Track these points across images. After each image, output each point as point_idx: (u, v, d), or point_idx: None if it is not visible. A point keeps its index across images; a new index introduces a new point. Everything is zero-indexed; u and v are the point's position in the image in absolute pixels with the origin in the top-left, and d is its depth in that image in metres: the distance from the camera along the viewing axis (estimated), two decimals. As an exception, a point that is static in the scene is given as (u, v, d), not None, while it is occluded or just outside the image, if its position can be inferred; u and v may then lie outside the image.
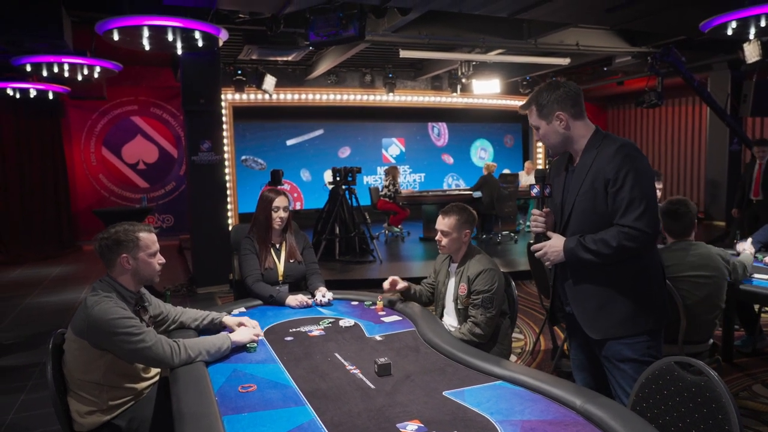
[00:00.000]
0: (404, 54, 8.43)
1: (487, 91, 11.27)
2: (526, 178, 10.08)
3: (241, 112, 10.43)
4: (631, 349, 1.97)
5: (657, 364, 1.76)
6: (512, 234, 9.28)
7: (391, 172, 9.54)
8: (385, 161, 12.43)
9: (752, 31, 5.33)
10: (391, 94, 11.09)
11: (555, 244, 2.03)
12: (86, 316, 1.95)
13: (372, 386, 1.83)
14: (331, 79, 10.78)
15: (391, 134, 12.67)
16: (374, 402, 1.70)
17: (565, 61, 9.56)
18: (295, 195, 11.39)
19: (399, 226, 9.71)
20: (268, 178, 11.47)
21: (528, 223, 2.26)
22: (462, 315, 2.74)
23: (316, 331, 2.44)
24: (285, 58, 8.08)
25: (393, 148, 12.72)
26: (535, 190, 2.16)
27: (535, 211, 2.14)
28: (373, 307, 2.81)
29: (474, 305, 2.66)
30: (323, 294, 2.92)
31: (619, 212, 1.90)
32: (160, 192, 10.45)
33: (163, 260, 2.20)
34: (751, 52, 7.79)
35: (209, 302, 6.06)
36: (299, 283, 3.22)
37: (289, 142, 11.66)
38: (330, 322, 2.56)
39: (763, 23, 5.08)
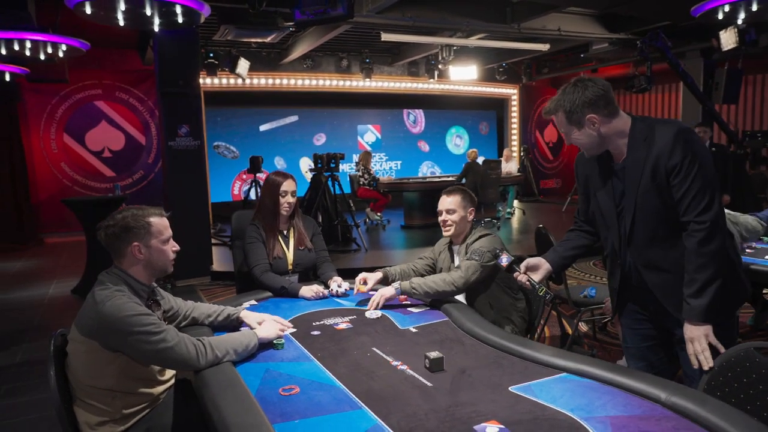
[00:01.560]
0: (386, 37, 8.20)
1: (464, 77, 11.17)
2: (505, 166, 10.04)
3: (212, 97, 10.01)
4: (720, 329, 1.82)
5: (733, 351, 1.65)
6: (494, 220, 9.22)
7: (363, 159, 9.34)
8: (360, 148, 12.19)
9: (741, 15, 5.33)
10: (368, 79, 10.87)
11: (693, 333, 1.78)
12: (96, 313, 1.70)
13: (428, 383, 1.65)
14: (306, 63, 10.47)
15: (366, 121, 12.44)
16: (438, 402, 1.53)
17: (544, 47, 9.51)
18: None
19: (379, 214, 9.54)
20: (242, 167, 11.16)
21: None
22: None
23: (342, 324, 2.25)
24: (263, 40, 7.74)
25: (369, 135, 12.50)
26: (505, 260, 2.13)
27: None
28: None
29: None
30: (339, 284, 2.72)
31: (683, 205, 1.76)
32: (127, 181, 9.95)
33: (177, 247, 1.96)
34: (727, 39, 7.88)
35: (190, 295, 5.72)
36: (308, 273, 3.01)
37: (263, 128, 11.29)
38: (356, 314, 2.37)
39: (754, 7, 5.08)
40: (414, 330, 2.16)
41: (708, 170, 1.75)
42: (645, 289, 1.94)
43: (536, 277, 2.10)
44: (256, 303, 2.60)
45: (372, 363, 1.82)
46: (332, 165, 7.41)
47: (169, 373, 1.94)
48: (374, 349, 1.95)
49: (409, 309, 2.44)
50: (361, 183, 8.98)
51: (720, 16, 5.32)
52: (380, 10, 6.89)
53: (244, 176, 10.98)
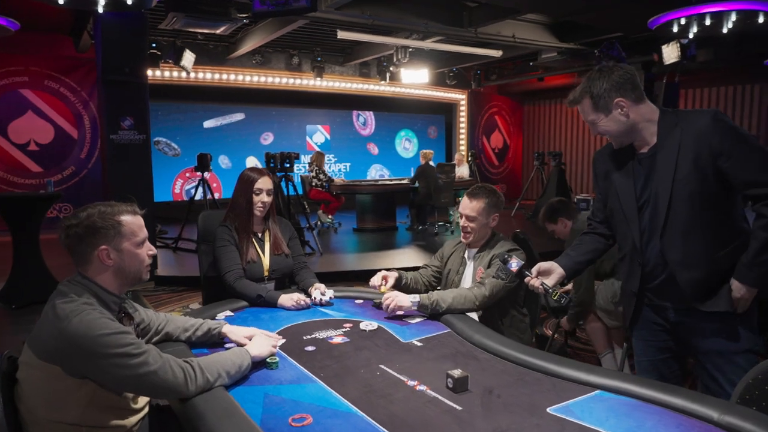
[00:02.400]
0: (342, 35, 8.00)
1: (415, 80, 11.15)
2: (457, 170, 10.05)
3: (153, 91, 9.30)
4: (748, 337, 1.79)
5: (769, 363, 1.57)
6: (447, 224, 9.19)
7: (316, 160, 9.06)
8: (309, 149, 11.86)
9: (694, 29, 5.53)
10: (318, 79, 10.59)
11: (743, 293, 1.76)
12: (59, 332, 1.40)
13: (456, 406, 1.47)
14: (255, 59, 10.06)
15: (316, 121, 12.14)
16: (477, 429, 1.35)
17: (497, 53, 9.62)
18: (215, 185, 10.52)
19: (331, 217, 9.28)
20: (183, 165, 10.57)
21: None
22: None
23: (337, 337, 2.02)
24: (213, 31, 7.30)
25: (318, 135, 12.20)
26: (514, 264, 2.02)
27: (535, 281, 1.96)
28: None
29: (487, 273, 2.37)
30: (322, 292, 2.49)
31: (746, 181, 1.70)
32: (56, 177, 9.14)
33: (154, 250, 1.68)
34: (670, 53, 8.23)
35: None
36: (285, 280, 2.75)
37: (207, 125, 10.75)
38: (350, 326, 2.15)
39: (707, 21, 5.28)
40: (419, 343, 1.97)
41: (755, 142, 1.73)
42: (670, 290, 1.85)
43: (549, 281, 1.97)
44: (232, 314, 2.32)
45: (385, 383, 1.62)
46: (286, 165, 7.10)
47: (143, 400, 1.65)
48: (382, 366, 1.74)
49: (406, 320, 2.24)
50: (313, 184, 8.69)
51: (675, 29, 5.50)
52: (339, 6, 6.67)
53: (188, 175, 10.41)
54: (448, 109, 14.02)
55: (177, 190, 10.53)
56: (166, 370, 1.44)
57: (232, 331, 1.90)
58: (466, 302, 2.26)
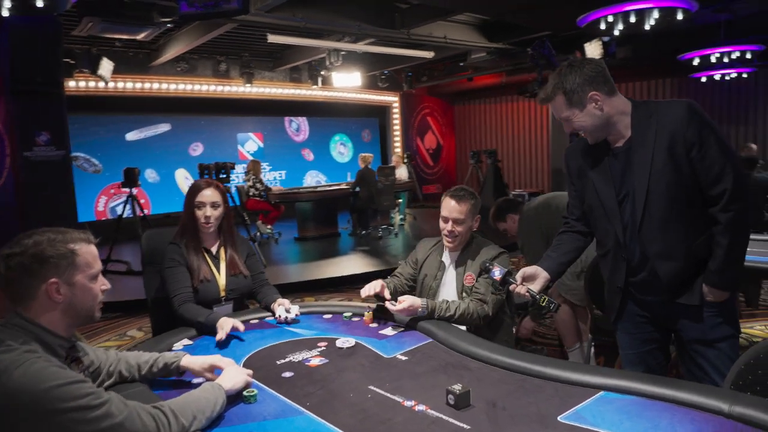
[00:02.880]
0: (273, 39, 7.74)
1: (347, 84, 11.04)
2: (396, 172, 10.01)
3: (69, 102, 8.69)
4: (729, 323, 1.80)
5: (761, 347, 1.57)
6: (390, 227, 9.13)
7: (253, 168, 8.74)
8: (242, 158, 11.46)
9: (620, 26, 5.76)
10: (248, 85, 10.25)
11: (714, 295, 1.77)
12: (-3, 387, 1.16)
13: (463, 425, 1.36)
14: (180, 66, 9.58)
15: (247, 129, 11.75)
16: (492, 450, 1.24)
17: (429, 55, 9.68)
18: (143, 201, 9.91)
19: (270, 227, 8.97)
20: (106, 181, 9.87)
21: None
22: None
23: (314, 359, 1.86)
24: (133, 37, 6.85)
25: (250, 143, 11.81)
26: (497, 272, 1.93)
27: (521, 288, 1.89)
28: (355, 320, 2.29)
29: (482, 284, 2.29)
30: (287, 308, 2.31)
31: (709, 178, 1.70)
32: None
33: (108, 285, 1.46)
34: (592, 51, 8.59)
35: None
36: (243, 300, 2.55)
37: (130, 137, 10.11)
38: (324, 345, 1.99)
39: (632, 18, 5.51)
40: (403, 357, 1.84)
41: (722, 138, 1.73)
42: (652, 284, 1.84)
43: (534, 287, 1.91)
44: (191, 342, 2.10)
45: (380, 407, 1.48)
46: (222, 175, 6.78)
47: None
48: (372, 387, 1.61)
49: (381, 332, 2.12)
50: (250, 194, 8.36)
51: (603, 26, 5.71)
52: (269, 9, 6.44)
53: (112, 191, 9.75)
54: (381, 112, 14.01)
55: (101, 208, 9.84)
56: (134, 420, 1.23)
57: (194, 362, 1.68)
58: (471, 321, 2.20)
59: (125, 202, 7.00)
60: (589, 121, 1.78)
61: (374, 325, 2.21)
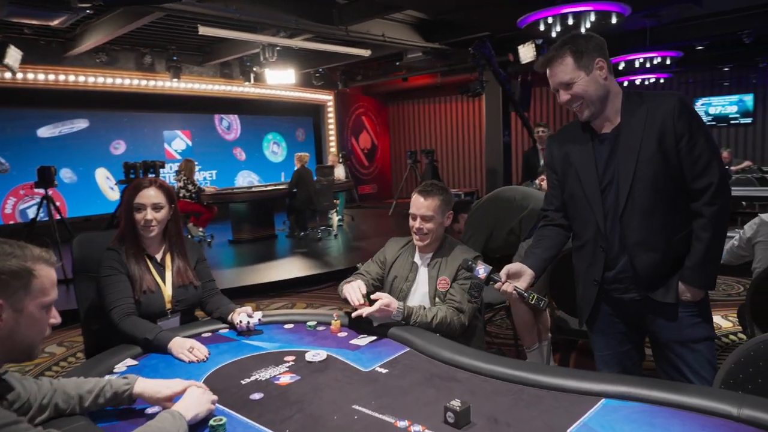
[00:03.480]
0: (204, 31, 7.31)
1: (281, 81, 10.67)
2: (336, 171, 9.81)
3: (-31, 95, 7.86)
4: (705, 325, 1.78)
5: (752, 344, 1.55)
6: (329, 228, 8.91)
7: (186, 168, 8.24)
8: (168, 157, 10.84)
9: (558, 28, 5.88)
10: (175, 80, 9.69)
11: (690, 293, 1.75)
12: None
13: (470, 448, 1.22)
14: (100, 58, 8.89)
15: (174, 126, 11.11)
16: (509, 475, 1.12)
17: (366, 53, 9.55)
18: (59, 203, 9.11)
19: (202, 229, 8.51)
20: (15, 181, 8.98)
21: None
22: None
23: (283, 376, 1.66)
24: (47, 23, 6.22)
25: (178, 142, 11.19)
26: (482, 271, 1.82)
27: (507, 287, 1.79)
28: (321, 329, 2.11)
29: (457, 291, 2.18)
30: (249, 314, 2.08)
31: (695, 171, 1.68)
32: None
33: (58, 319, 1.21)
34: (526, 53, 8.79)
35: None
36: (193, 311, 2.29)
37: (43, 134, 9.26)
38: (292, 359, 1.79)
39: (570, 21, 5.64)
40: (383, 370, 1.68)
41: (709, 133, 1.73)
42: (629, 278, 1.79)
43: (521, 284, 1.81)
44: (135, 362, 1.83)
45: (371, 429, 1.32)
46: (150, 174, 6.31)
47: None
48: (356, 407, 1.44)
49: (352, 342, 1.95)
50: (181, 195, 7.87)
51: (542, 27, 5.80)
52: (201, -2, 6.07)
53: (22, 192, 8.90)
54: (315, 111, 13.73)
55: (8, 211, 8.94)
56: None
57: (149, 388, 1.44)
58: (448, 331, 2.07)
59: (39, 204, 6.36)
60: (592, 87, 1.73)
61: (343, 334, 2.03)
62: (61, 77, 8.80)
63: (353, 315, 2.04)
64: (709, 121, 11.71)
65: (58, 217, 6.52)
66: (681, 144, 1.67)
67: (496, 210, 3.38)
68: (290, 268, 6.76)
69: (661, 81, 11.27)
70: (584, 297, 1.92)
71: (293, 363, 1.76)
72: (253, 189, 9.51)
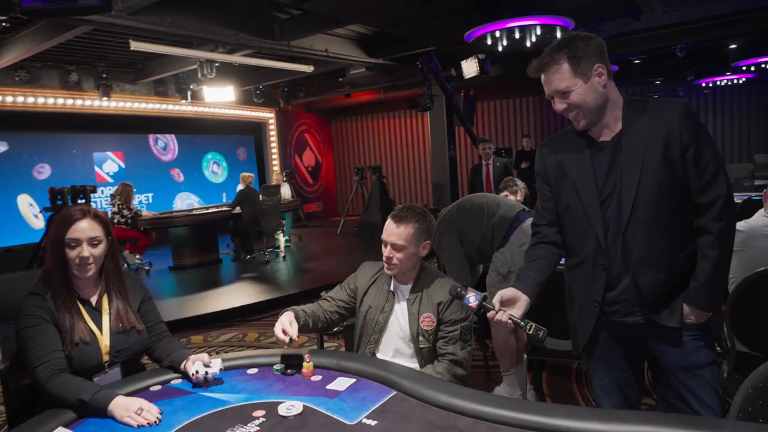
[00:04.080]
0: (136, 46, 6.90)
1: (220, 99, 10.31)
2: (281, 190, 9.49)
3: None
4: (708, 349, 1.66)
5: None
6: (277, 250, 8.55)
7: (123, 192, 7.70)
8: (100, 181, 10.16)
9: (504, 42, 5.91)
10: (105, 99, 9.10)
11: (695, 315, 1.64)
12: None
13: None
14: (19, 75, 8.23)
15: (105, 148, 10.43)
16: None
17: (309, 69, 9.34)
18: (-26, 232, 8.30)
19: (139, 257, 7.95)
20: None
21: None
22: (426, 357, 2.03)
23: (255, 437, 1.41)
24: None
25: (109, 164, 10.51)
26: (473, 299, 1.65)
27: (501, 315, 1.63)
28: (290, 373, 1.85)
29: (448, 339, 1.99)
30: (206, 363, 1.79)
31: (702, 184, 1.57)
32: None
33: None
34: (469, 68, 8.86)
35: None
36: (137, 361, 1.97)
37: (-46, 161, 8.44)
38: (262, 413, 1.53)
39: (517, 35, 5.67)
40: (371, 422, 1.46)
41: (715, 144, 1.62)
42: (631, 299, 1.66)
43: (516, 312, 1.64)
44: (68, 430, 1.52)
45: (373, 506, 1.09)
46: (81, 200, 5.81)
47: None
48: (350, 475, 1.21)
49: (329, 387, 1.71)
50: (115, 221, 7.32)
51: (489, 41, 5.81)
52: (134, 11, 5.67)
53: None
54: (256, 129, 13.33)
55: None
56: None
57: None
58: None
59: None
60: (590, 96, 1.59)
61: (317, 377, 1.79)
62: (-25, 97, 8.05)
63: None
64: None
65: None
66: (687, 154, 1.56)
67: (469, 215, 3.24)
68: (238, 294, 6.38)
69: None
70: (581, 320, 1.78)
71: (264, 419, 1.50)
72: (194, 212, 9.02)
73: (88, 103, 9.35)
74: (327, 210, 15.03)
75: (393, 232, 2.02)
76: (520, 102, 13.22)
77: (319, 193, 14.91)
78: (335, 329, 2.54)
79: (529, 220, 3.07)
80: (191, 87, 9.95)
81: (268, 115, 13.18)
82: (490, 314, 1.63)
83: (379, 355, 2.11)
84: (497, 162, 6.91)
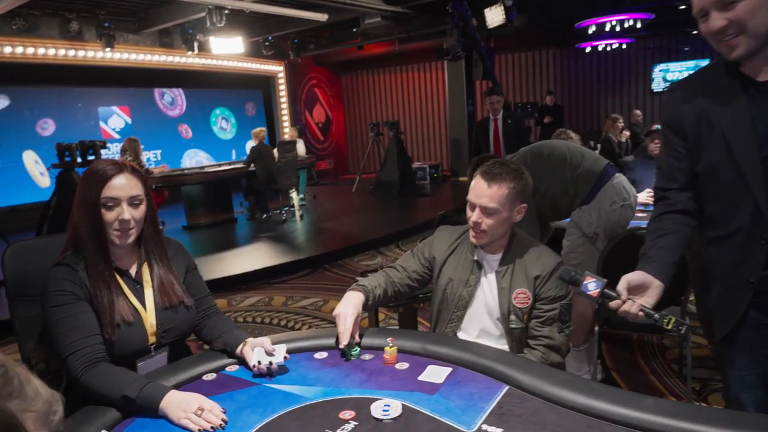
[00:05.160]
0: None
1: (228, 51, 9.79)
2: (298, 146, 9.11)
3: None
4: None
5: None
6: (292, 209, 8.24)
7: (130, 147, 7.32)
8: (105, 136, 9.76)
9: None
10: (108, 50, 8.61)
11: None
12: None
13: None
14: (16, 24, 7.70)
15: (110, 102, 10.00)
16: None
17: (323, 17, 8.80)
18: (-21, 191, 8.01)
19: (151, 217, 7.66)
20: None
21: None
22: (517, 339, 1.73)
23: (352, 448, 1.12)
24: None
25: (115, 119, 10.09)
26: (593, 285, 1.34)
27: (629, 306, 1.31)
28: (367, 357, 1.56)
29: (545, 320, 1.68)
30: (269, 351, 1.48)
31: None
32: None
33: None
34: (494, 16, 8.32)
35: None
36: (183, 342, 1.68)
37: (-46, 115, 8.05)
38: (351, 415, 1.24)
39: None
40: (493, 429, 1.16)
41: None
42: None
43: (647, 301, 1.33)
44: (112, 437, 1.24)
45: None
46: (90, 157, 5.47)
47: None
48: None
49: (422, 379, 1.41)
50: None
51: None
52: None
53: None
54: (265, 83, 12.80)
55: None
56: None
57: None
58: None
59: (-46, 196, 5.39)
60: (763, 12, 1.22)
61: (403, 365, 1.49)
62: (-29, 47, 7.58)
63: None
64: (666, 87, 11.72)
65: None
66: None
67: (548, 164, 2.73)
68: (258, 255, 6.11)
69: (623, 47, 11.13)
70: (725, 304, 1.45)
71: (356, 423, 1.21)
72: (206, 169, 8.68)
73: (90, 54, 8.85)
74: (338, 167, 14.64)
75: (484, 192, 1.68)
76: (541, 55, 12.61)
77: (330, 150, 14.48)
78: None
79: (620, 177, 2.73)
80: (198, 38, 9.43)
81: (277, 69, 12.63)
82: (614, 304, 1.32)
83: (461, 335, 1.81)
84: (508, 118, 5.91)
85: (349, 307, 1.61)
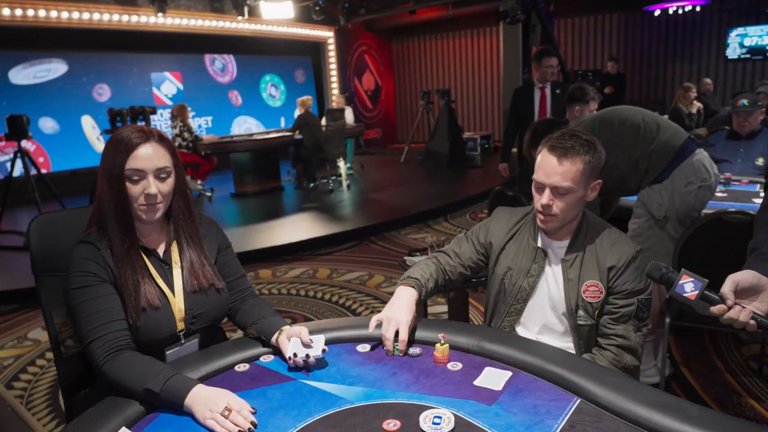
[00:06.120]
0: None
1: (278, 15, 9.65)
2: (346, 114, 8.93)
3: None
4: None
5: None
6: (339, 178, 8.13)
7: (179, 113, 7.35)
8: (158, 103, 9.88)
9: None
10: (160, 14, 8.61)
11: None
12: None
13: None
14: (71, -12, 7.78)
15: (162, 68, 10.07)
16: None
17: (375, -21, 8.49)
18: (42, 159, 8.28)
19: (201, 182, 7.73)
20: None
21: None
22: (585, 337, 1.53)
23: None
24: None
25: (167, 85, 10.18)
26: (691, 287, 1.10)
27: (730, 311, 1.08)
28: (415, 352, 1.40)
29: (619, 316, 1.47)
30: (305, 343, 1.34)
31: None
32: None
33: None
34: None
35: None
36: (216, 328, 1.56)
37: (16, 79, 8.27)
38: (397, 426, 1.08)
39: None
40: (566, 456, 0.98)
41: None
42: None
43: (762, 307, 1.09)
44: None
45: None
46: (141, 123, 5.47)
47: None
48: None
49: (478, 384, 1.24)
50: (177, 145, 7.04)
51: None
52: None
53: (-4, 145, 8.03)
54: (314, 50, 12.62)
55: (-17, 166, 8.10)
56: None
57: None
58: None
59: (13, 159, 5.54)
60: None
61: (456, 366, 1.32)
62: (30, 12, 7.70)
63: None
64: (743, 53, 10.79)
65: (37, 173, 5.72)
66: None
67: (618, 134, 2.38)
68: (304, 225, 6.04)
69: (697, 9, 10.27)
70: None
71: (402, 436, 1.06)
72: (255, 136, 8.65)
73: (143, 19, 8.88)
74: (386, 136, 14.41)
75: (555, 170, 1.44)
76: (604, 19, 11.82)
77: (379, 119, 14.24)
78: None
79: (701, 153, 2.40)
80: (248, 2, 9.32)
81: (327, 34, 12.40)
82: (716, 309, 1.09)
83: (519, 330, 1.62)
84: (556, 88, 4.64)
85: (402, 312, 1.41)
